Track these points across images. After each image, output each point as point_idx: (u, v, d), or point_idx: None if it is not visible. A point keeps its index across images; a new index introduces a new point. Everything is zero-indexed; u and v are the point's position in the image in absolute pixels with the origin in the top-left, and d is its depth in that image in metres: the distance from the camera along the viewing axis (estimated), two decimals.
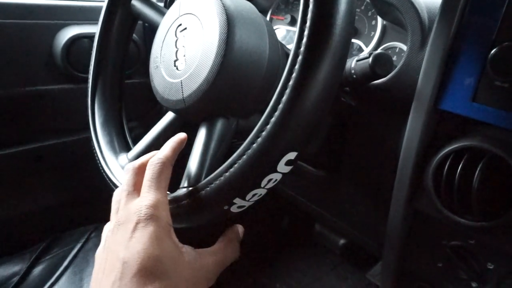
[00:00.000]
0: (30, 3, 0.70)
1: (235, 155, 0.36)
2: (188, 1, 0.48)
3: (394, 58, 0.56)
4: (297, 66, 0.32)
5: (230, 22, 0.42)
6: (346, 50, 0.33)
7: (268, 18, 0.74)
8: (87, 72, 0.77)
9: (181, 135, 0.41)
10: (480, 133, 0.38)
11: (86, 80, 0.77)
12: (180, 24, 0.47)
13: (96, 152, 0.55)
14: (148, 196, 0.34)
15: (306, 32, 0.32)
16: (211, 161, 0.44)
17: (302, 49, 0.32)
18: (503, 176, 0.36)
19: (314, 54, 0.31)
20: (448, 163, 0.40)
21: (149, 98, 0.66)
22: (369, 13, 0.60)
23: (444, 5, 0.38)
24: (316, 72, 0.32)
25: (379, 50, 0.42)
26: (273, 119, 0.33)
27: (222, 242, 0.40)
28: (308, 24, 0.32)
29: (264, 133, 0.33)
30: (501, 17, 0.34)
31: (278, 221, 1.28)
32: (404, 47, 0.55)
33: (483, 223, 0.38)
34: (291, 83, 0.32)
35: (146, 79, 0.90)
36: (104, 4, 0.60)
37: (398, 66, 0.48)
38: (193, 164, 0.44)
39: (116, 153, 0.55)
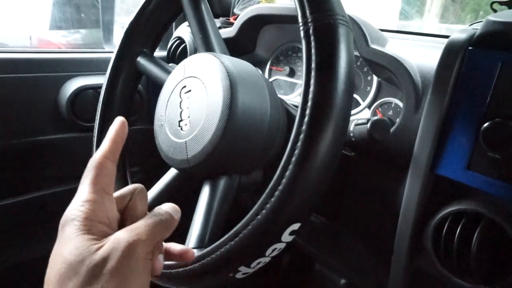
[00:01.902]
0: (36, 58, 0.73)
1: (240, 224, 0.37)
2: (192, 64, 0.50)
3: (390, 112, 0.58)
4: (299, 143, 0.34)
5: (233, 87, 0.44)
6: (344, 130, 0.35)
7: (267, 69, 0.77)
8: (90, 121, 0.78)
9: (118, 121, 0.36)
10: (477, 198, 0.40)
11: (89, 129, 0.79)
12: (185, 86, 0.49)
13: None
14: (77, 196, 0.31)
15: (307, 111, 0.34)
16: (214, 221, 0.45)
17: (304, 127, 0.34)
18: (501, 240, 0.38)
19: (315, 133, 0.33)
20: (446, 225, 0.41)
21: (150, 144, 0.67)
22: (365, 69, 0.62)
23: (436, 79, 0.40)
24: (317, 150, 0.33)
25: (376, 116, 0.44)
26: (277, 193, 0.34)
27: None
28: (309, 104, 0.34)
29: (268, 205, 0.34)
30: (490, 93, 0.37)
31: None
32: (399, 103, 0.57)
33: (483, 286, 0.39)
34: (293, 159, 0.34)
35: (147, 125, 0.93)
36: (111, 60, 0.63)
37: (394, 127, 0.49)
38: (197, 224, 0.45)
39: None
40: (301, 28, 0.36)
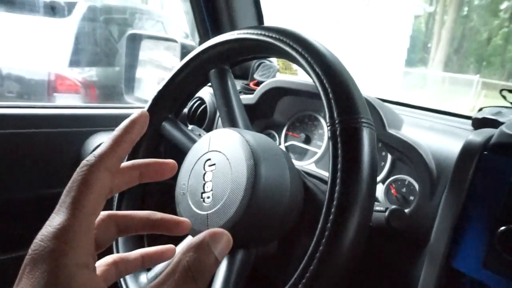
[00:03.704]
0: (61, 113, 0.77)
1: None
2: (218, 138, 0.53)
3: (404, 190, 0.60)
4: (323, 240, 0.35)
5: (257, 165, 0.47)
6: (367, 226, 0.37)
7: (283, 133, 0.80)
8: None
9: (141, 113, 0.28)
10: None
11: None
12: (209, 159, 0.52)
13: None
14: (52, 220, 0.23)
15: (333, 210, 0.36)
16: None
17: (328, 225, 0.36)
18: None
19: (338, 233, 0.35)
20: None
21: (165, 197, 0.68)
22: (380, 144, 0.65)
23: (453, 178, 0.42)
24: (339, 251, 0.35)
25: (394, 206, 0.46)
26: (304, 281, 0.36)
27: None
28: (335, 203, 0.36)
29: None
30: (505, 197, 0.38)
31: None
32: (413, 181, 0.59)
33: None
34: (317, 255, 0.35)
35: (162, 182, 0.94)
36: None
37: (409, 209, 0.51)
38: None
39: (136, 272, 0.57)
40: (328, 128, 0.39)
